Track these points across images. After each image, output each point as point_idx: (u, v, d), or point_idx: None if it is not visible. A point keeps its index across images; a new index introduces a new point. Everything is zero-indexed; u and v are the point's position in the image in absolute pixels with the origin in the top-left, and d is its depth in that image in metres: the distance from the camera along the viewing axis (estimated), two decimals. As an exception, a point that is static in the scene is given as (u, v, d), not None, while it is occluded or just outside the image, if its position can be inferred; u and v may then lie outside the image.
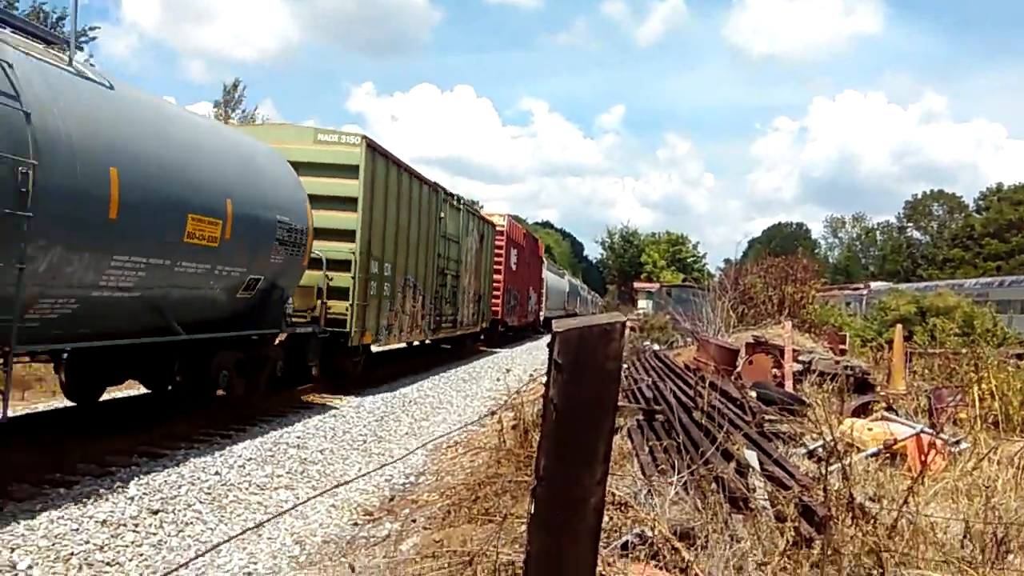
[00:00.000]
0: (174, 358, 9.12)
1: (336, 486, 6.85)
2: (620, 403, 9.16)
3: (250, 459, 8.12)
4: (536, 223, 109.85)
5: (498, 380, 15.15)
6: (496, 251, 25.30)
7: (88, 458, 7.40)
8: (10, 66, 6.10)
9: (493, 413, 7.04)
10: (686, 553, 4.13)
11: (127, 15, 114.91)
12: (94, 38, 37.92)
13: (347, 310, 12.84)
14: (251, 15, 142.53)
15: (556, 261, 48.36)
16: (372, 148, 13.38)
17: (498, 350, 25.58)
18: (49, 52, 7.11)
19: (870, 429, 6.64)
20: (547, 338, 2.26)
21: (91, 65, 8.47)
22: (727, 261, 55.07)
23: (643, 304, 47.65)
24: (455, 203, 19.52)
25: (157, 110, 8.52)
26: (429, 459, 8.70)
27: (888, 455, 6.26)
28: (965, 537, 4.33)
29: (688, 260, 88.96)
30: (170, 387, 9.70)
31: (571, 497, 2.13)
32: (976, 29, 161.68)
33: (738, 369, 12.49)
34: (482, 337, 24.87)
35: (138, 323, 8.16)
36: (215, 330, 9.49)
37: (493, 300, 24.82)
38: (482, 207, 36.50)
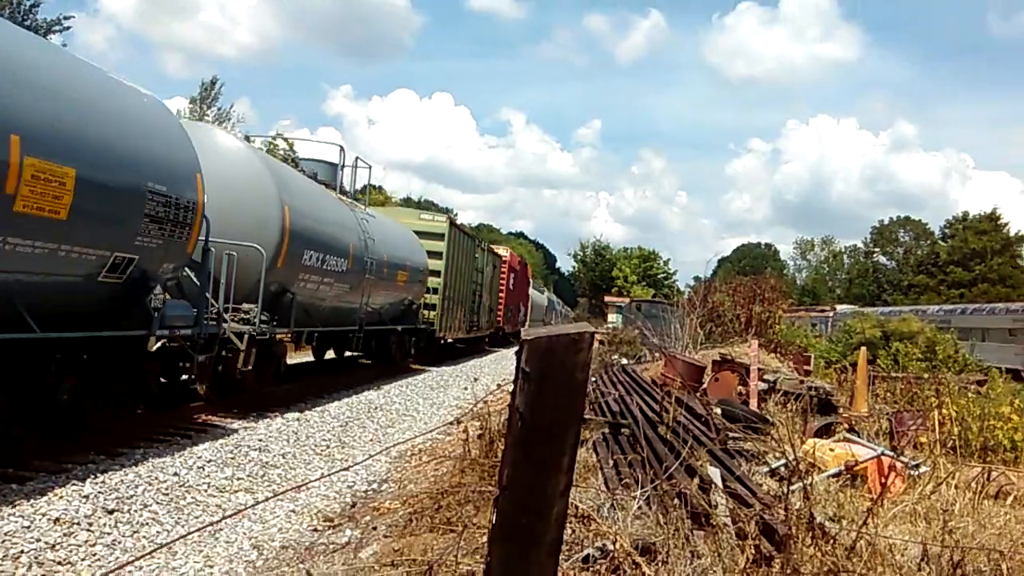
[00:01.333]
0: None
1: (297, 487, 6.77)
2: (586, 416, 9.17)
3: (210, 461, 8.00)
4: (510, 233, 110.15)
5: (466, 389, 15.13)
6: (501, 276, 32.79)
7: (43, 455, 7.23)
8: None
9: (459, 422, 7.00)
10: (647, 568, 4.13)
11: (104, 5, 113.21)
12: (68, 27, 37.42)
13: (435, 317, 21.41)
14: (233, 11, 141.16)
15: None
16: (451, 223, 23.01)
17: (498, 349, 34.46)
18: None
19: (832, 450, 6.70)
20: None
21: None
22: (697, 279, 55.51)
23: (613, 318, 47.83)
24: (481, 246, 28.22)
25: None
26: (393, 466, 8.63)
27: (849, 476, 6.32)
28: (922, 560, 4.37)
29: (659, 276, 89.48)
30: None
31: (534, 507, 2.11)
32: (948, 60, 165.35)
33: (704, 386, 12.57)
34: (486, 340, 32.08)
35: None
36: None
37: (497, 312, 32.17)
38: (456, 215, 42.29)
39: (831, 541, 4.27)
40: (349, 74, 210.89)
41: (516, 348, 2.16)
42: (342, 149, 16.49)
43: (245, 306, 10.64)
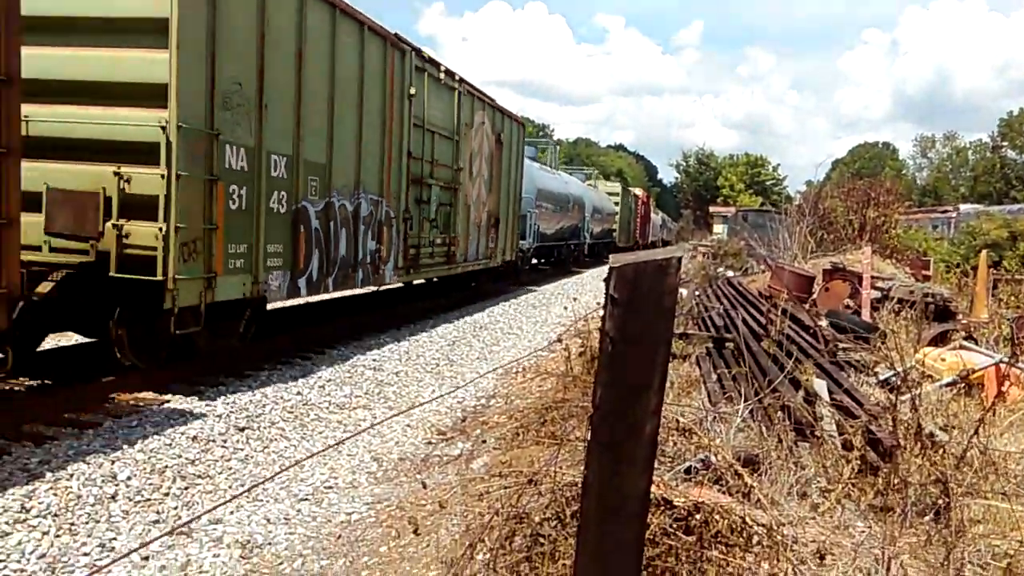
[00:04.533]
0: None
1: (410, 408, 7.11)
2: (689, 331, 9.17)
3: (329, 380, 8.48)
4: (609, 146, 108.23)
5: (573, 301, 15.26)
6: (640, 208, 47.77)
7: (179, 378, 7.82)
8: None
9: (560, 340, 7.15)
10: (749, 478, 4.19)
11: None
12: None
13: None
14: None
15: (629, 186, 52.82)
16: (623, 188, 43.61)
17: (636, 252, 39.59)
18: None
19: (943, 359, 6.51)
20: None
21: None
22: (808, 183, 53.40)
23: (718, 229, 46.82)
24: (633, 193, 36.29)
25: None
26: (500, 383, 8.92)
27: (964, 386, 6.15)
28: (1037, 469, 4.28)
29: (767, 183, 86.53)
30: None
31: (626, 426, 2.21)
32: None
33: (814, 296, 12.30)
34: (633, 247, 43.55)
35: None
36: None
37: (635, 232, 45.94)
38: (553, 131, 46.13)
39: (940, 451, 4.23)
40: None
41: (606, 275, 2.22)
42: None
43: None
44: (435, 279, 15.95)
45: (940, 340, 8.56)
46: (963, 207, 48.53)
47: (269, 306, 9.52)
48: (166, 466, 5.54)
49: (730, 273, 19.94)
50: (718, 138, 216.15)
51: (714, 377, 6.92)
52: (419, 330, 12.31)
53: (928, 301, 10.12)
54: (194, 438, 6.17)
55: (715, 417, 5.30)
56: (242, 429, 6.56)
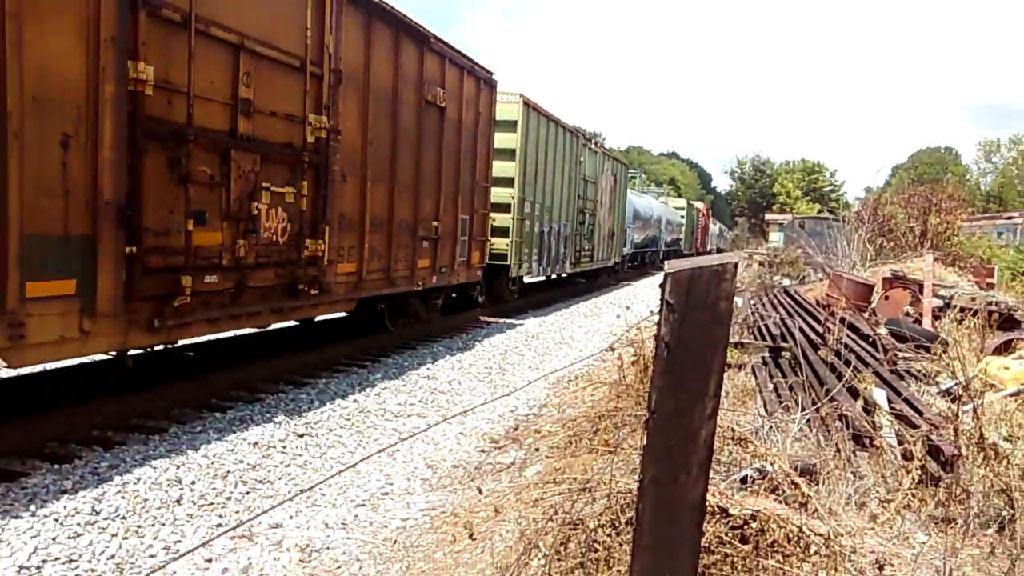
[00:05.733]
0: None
1: (463, 412, 7.17)
2: (745, 340, 9.08)
3: (385, 388, 8.60)
4: (661, 154, 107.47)
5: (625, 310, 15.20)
6: (701, 219, 55.13)
7: (240, 386, 8.02)
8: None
9: (612, 349, 7.15)
10: (806, 488, 4.14)
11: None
12: None
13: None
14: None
15: (681, 194, 56.50)
16: (688, 205, 45.21)
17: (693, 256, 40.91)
18: None
19: (1007, 368, 6.34)
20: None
21: None
22: (867, 190, 52.33)
23: (774, 237, 46.15)
24: (697, 207, 43.06)
25: None
26: (552, 391, 8.94)
27: (1031, 395, 5.98)
28: (1109, 481, 4.14)
29: (825, 189, 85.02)
30: None
31: (682, 431, 2.22)
32: None
33: (873, 305, 12.06)
34: (692, 252, 48.19)
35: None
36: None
37: (695, 239, 52.06)
38: (604, 139, 49.53)
39: (1004, 461, 4.13)
40: None
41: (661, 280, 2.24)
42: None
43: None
44: (578, 272, 22.13)
45: (1004, 349, 8.33)
46: (1030, 213, 46.89)
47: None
48: (228, 471, 5.69)
49: (786, 281, 19.66)
50: (772, 143, 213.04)
51: (770, 386, 6.85)
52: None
53: (992, 309, 9.85)
54: (255, 444, 6.33)
55: (771, 426, 5.24)
56: (301, 435, 6.70)
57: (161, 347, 6.84)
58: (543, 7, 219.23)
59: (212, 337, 9.27)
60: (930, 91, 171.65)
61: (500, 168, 14.39)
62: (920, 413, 5.19)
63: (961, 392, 4.63)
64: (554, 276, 21.14)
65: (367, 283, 9.59)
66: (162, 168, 6.24)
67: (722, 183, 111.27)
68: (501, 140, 14.35)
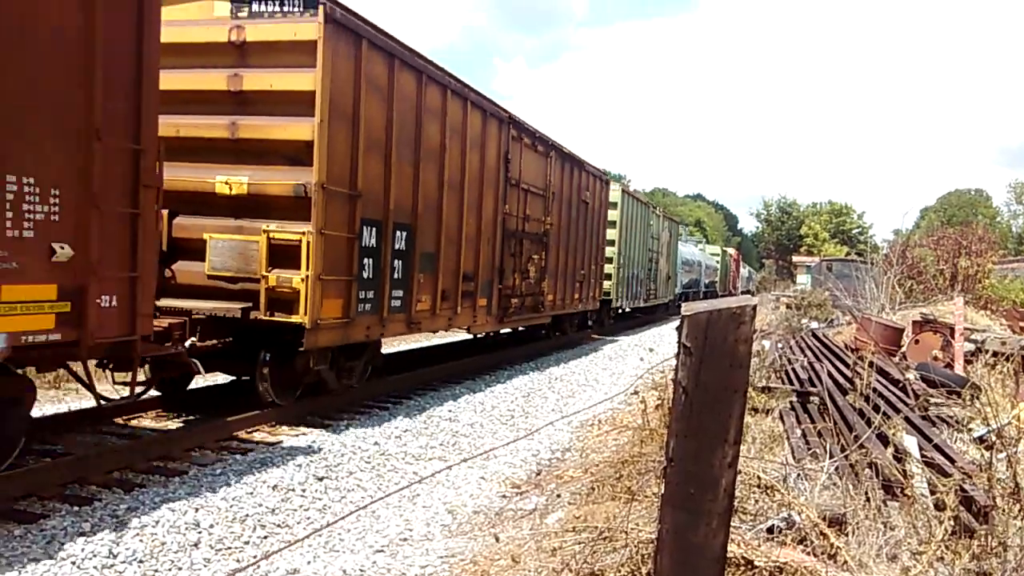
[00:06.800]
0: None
1: (483, 453, 7.08)
2: (772, 384, 8.94)
3: (406, 430, 8.54)
4: (687, 196, 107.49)
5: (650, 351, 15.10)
6: (732, 263, 60.35)
7: (260, 427, 8.00)
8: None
9: (636, 392, 7.06)
10: (835, 539, 4.02)
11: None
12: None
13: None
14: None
15: (707, 238, 58.07)
16: (723, 251, 54.92)
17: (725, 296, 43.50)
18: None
19: (1042, 415, 6.16)
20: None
21: None
22: (896, 232, 51.91)
23: (802, 279, 45.79)
24: (730, 254, 47.19)
25: None
26: (575, 435, 8.83)
27: (1069, 443, 5.79)
28: None
29: (853, 231, 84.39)
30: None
31: (701, 479, 2.16)
32: None
33: (903, 349, 11.86)
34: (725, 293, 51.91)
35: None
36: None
37: (729, 281, 56.97)
38: (630, 181, 50.06)
39: (1041, 513, 3.98)
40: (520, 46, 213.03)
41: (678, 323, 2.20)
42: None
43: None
44: (648, 306, 28.12)
45: (1041, 395, 8.11)
46: (1063, 255, 46.18)
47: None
48: (247, 515, 5.64)
49: (814, 325, 19.42)
50: (799, 185, 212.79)
51: (798, 432, 6.71)
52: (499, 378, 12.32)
53: (1026, 354, 9.62)
54: (274, 487, 6.28)
55: (799, 474, 5.12)
56: (321, 479, 6.64)
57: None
58: (569, 53, 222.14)
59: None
60: (960, 133, 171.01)
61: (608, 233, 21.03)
62: (952, 461, 5.04)
63: (995, 439, 4.49)
64: (633, 307, 27.33)
65: (557, 307, 16.43)
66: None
67: (748, 225, 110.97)
68: (608, 215, 20.77)
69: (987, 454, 4.42)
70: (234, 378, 9.44)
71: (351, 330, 8.70)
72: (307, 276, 7.70)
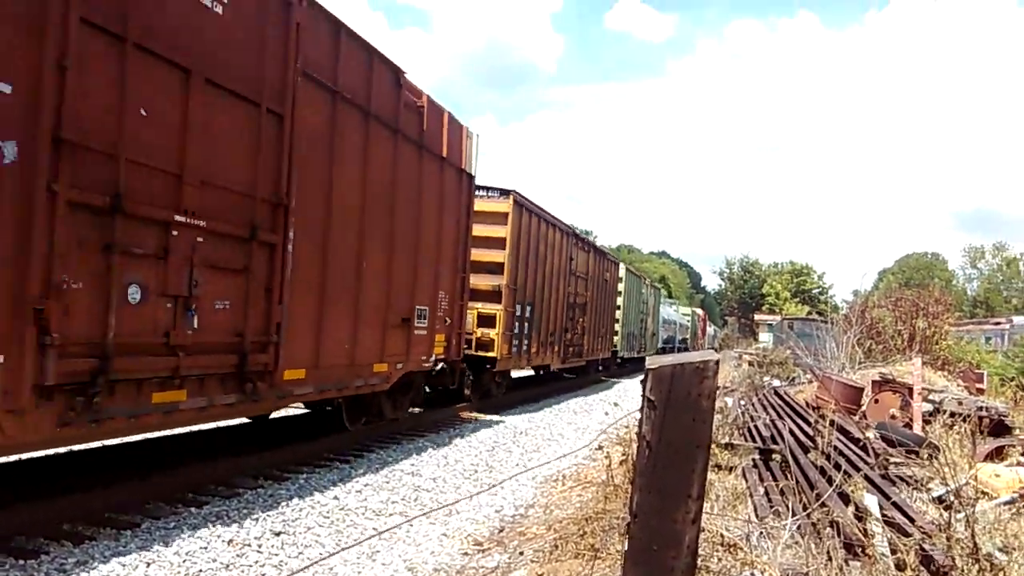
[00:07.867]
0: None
1: (442, 507, 6.97)
2: (735, 441, 8.96)
3: (367, 484, 8.39)
4: (652, 252, 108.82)
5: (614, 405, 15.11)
6: (700, 322, 65.96)
7: (217, 480, 7.82)
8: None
9: (600, 448, 7.03)
10: (797, 598, 4.01)
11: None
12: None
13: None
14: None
15: (671, 294, 59.45)
16: (693, 312, 64.51)
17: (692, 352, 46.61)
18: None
19: (997, 475, 6.25)
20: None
21: None
22: (855, 293, 52.88)
23: (764, 337, 46.33)
24: (698, 313, 59.59)
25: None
26: (539, 491, 8.74)
27: (1024, 504, 5.87)
28: (1108, 596, 4.02)
29: (813, 291, 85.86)
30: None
31: (664, 535, 2.15)
32: None
33: (863, 408, 11.99)
34: (689, 348, 56.20)
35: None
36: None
37: (697, 339, 62.53)
38: (596, 237, 51.35)
39: (999, 573, 4.01)
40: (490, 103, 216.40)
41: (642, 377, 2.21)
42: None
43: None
44: (640, 356, 32.84)
45: (996, 455, 8.23)
46: (1016, 319, 47.39)
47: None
48: (200, 570, 5.48)
49: (776, 382, 19.58)
50: (763, 245, 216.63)
51: (761, 490, 6.72)
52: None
53: (982, 415, 9.78)
54: (230, 541, 6.11)
55: (762, 532, 5.11)
56: (278, 534, 6.48)
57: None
58: (536, 113, 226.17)
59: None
60: (917, 197, 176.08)
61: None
62: (912, 520, 5.07)
63: (953, 499, 4.54)
64: (630, 356, 33.50)
65: (587, 353, 23.09)
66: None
67: (711, 282, 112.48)
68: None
69: (946, 514, 4.45)
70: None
71: (511, 362, 16.06)
72: (499, 332, 15.03)
